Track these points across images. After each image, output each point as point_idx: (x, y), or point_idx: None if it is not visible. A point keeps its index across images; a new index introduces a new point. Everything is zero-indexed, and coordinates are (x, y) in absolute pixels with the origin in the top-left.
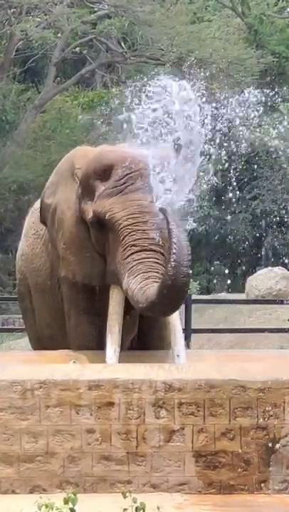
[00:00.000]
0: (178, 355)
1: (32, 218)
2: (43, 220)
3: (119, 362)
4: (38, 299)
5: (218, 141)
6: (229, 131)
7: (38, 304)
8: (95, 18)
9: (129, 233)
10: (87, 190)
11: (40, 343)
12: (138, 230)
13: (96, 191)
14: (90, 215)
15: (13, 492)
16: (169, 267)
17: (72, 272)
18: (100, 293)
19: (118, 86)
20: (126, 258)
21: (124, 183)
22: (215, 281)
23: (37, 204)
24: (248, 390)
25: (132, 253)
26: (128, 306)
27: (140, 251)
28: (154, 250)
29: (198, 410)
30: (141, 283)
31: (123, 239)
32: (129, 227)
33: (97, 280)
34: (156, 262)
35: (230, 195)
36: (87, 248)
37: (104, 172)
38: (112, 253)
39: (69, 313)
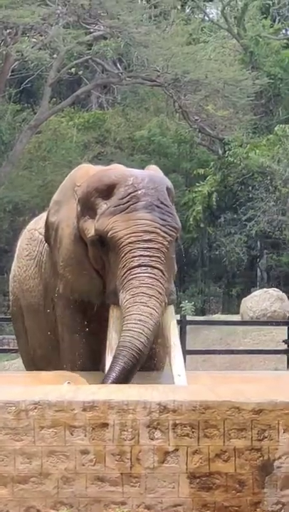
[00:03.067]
0: (179, 375)
1: (25, 239)
2: (46, 239)
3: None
4: (31, 319)
5: (213, 162)
6: (225, 153)
7: (31, 324)
8: (90, 39)
9: (130, 250)
10: (87, 208)
11: (34, 364)
12: (139, 247)
13: (98, 209)
14: (90, 233)
15: None
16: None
17: (70, 290)
18: (95, 313)
19: (113, 107)
20: (124, 274)
21: (128, 202)
22: (210, 302)
23: (30, 225)
24: (242, 412)
25: (130, 268)
26: None
27: (138, 266)
28: (152, 266)
29: (193, 432)
30: (127, 301)
31: (123, 256)
32: (131, 244)
33: (95, 298)
34: (150, 277)
35: (226, 216)
36: (85, 266)
37: (107, 190)
38: (113, 272)
39: (63, 334)
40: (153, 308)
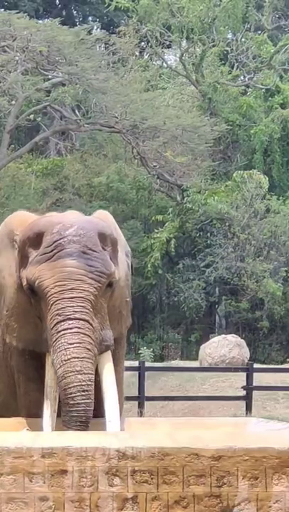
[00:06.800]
0: (110, 421)
1: None
2: None
3: (56, 429)
4: None
5: (171, 208)
6: (183, 199)
7: None
8: (49, 85)
9: (55, 301)
10: (23, 257)
11: None
12: (64, 298)
13: (30, 258)
14: (24, 282)
15: None
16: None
17: (16, 339)
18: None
19: (72, 153)
20: (52, 328)
21: (53, 250)
22: (168, 348)
23: None
24: (201, 458)
25: (56, 323)
26: None
27: (63, 321)
28: (78, 318)
29: (152, 478)
30: (62, 368)
31: (50, 307)
32: (56, 295)
33: (39, 346)
34: (77, 332)
35: (184, 262)
36: (30, 314)
37: (36, 239)
38: (44, 320)
39: (18, 381)
40: (88, 373)
